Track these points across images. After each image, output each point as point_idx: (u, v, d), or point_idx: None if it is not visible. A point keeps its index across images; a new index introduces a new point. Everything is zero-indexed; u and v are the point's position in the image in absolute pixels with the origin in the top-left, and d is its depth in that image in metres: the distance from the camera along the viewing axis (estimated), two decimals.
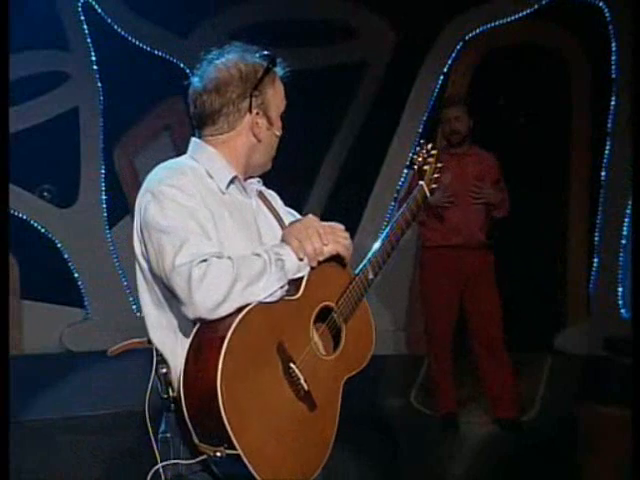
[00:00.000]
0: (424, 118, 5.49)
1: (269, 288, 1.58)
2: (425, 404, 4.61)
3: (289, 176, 5.59)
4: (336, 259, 1.69)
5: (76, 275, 5.30)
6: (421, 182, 1.93)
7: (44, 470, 3.69)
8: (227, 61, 1.71)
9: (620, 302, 5.18)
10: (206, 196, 1.65)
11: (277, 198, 1.89)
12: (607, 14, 5.27)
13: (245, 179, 1.77)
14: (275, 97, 1.77)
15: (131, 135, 5.58)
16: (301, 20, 5.48)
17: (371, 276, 1.75)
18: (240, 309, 1.55)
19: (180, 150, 1.81)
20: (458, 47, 5.51)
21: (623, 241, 5.19)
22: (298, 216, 1.89)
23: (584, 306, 5.38)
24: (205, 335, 1.55)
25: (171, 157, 1.77)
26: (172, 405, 1.62)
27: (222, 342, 1.50)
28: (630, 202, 4.77)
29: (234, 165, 1.73)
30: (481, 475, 3.84)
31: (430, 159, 1.96)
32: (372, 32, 5.60)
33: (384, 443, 4.13)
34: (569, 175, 5.46)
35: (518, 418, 4.23)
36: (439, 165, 1.97)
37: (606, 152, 5.30)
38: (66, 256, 5.28)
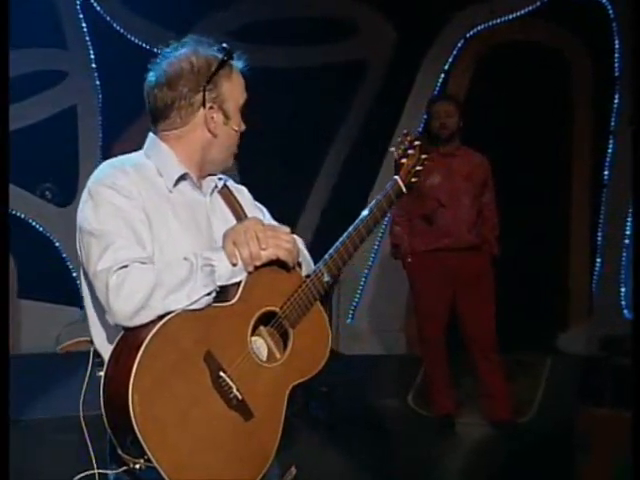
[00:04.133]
0: (425, 116, 5.45)
1: (193, 295, 1.53)
2: (422, 406, 4.58)
3: (291, 173, 5.60)
4: (281, 262, 1.63)
5: (74, 274, 5.27)
6: (395, 177, 1.80)
7: (41, 470, 3.66)
8: (179, 54, 1.69)
9: (623, 302, 5.15)
10: (149, 196, 1.62)
11: (244, 192, 1.85)
12: (610, 11, 5.24)
13: (204, 176, 1.73)
14: (232, 91, 1.71)
15: (130, 133, 5.54)
16: (301, 18, 5.46)
17: (327, 278, 1.67)
18: (163, 317, 1.51)
19: None
20: (459, 45, 5.49)
21: (626, 241, 5.17)
22: (266, 212, 1.85)
23: (586, 306, 5.35)
24: (125, 342, 1.52)
25: None
26: None
27: (137, 351, 1.47)
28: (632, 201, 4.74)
29: (187, 161, 1.69)
30: (478, 477, 3.81)
31: (411, 151, 1.82)
32: (373, 30, 5.58)
33: (380, 444, 4.11)
34: (571, 174, 5.44)
35: (513, 420, 4.19)
36: (423, 157, 1.83)
37: (608, 151, 5.27)
38: (64, 255, 5.25)
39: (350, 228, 1.73)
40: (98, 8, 5.39)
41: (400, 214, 4.23)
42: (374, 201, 1.77)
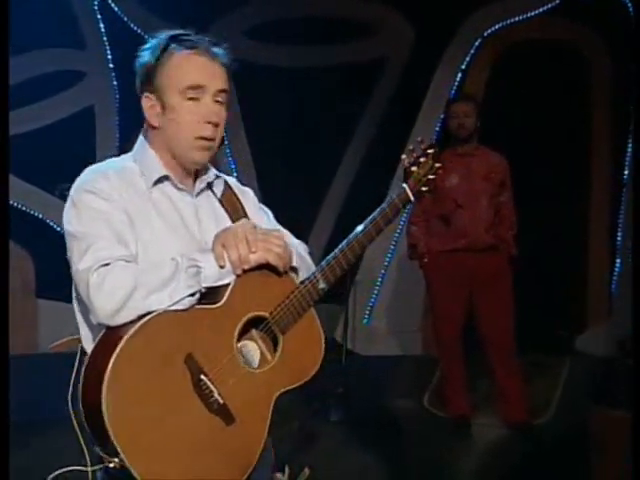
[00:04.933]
0: (441, 115, 5.43)
1: (176, 296, 1.51)
2: (438, 407, 4.56)
3: (308, 174, 5.59)
4: (275, 267, 1.60)
5: None
6: (404, 185, 1.74)
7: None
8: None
9: None
10: (130, 198, 1.61)
11: (249, 194, 1.82)
12: (631, 9, 5.19)
13: (192, 174, 1.69)
14: (171, 79, 1.62)
15: None
16: (319, 17, 5.45)
17: (322, 285, 1.64)
18: (143, 316, 1.49)
19: None
20: (476, 43, 5.46)
21: None
22: (270, 215, 1.83)
23: (606, 307, 5.30)
24: (104, 341, 1.52)
25: None
26: None
27: (114, 350, 1.45)
28: None
29: (166, 161, 1.67)
30: (493, 478, 3.79)
31: (422, 159, 1.76)
32: (390, 29, 5.56)
33: (395, 445, 4.09)
34: (590, 174, 5.39)
35: (528, 422, 4.16)
36: (436, 165, 1.76)
37: (628, 151, 5.22)
38: None
39: (350, 236, 1.68)
40: (116, 8, 5.41)
41: (417, 214, 4.21)
42: (378, 209, 1.71)
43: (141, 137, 1.72)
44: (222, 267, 1.55)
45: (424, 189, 1.76)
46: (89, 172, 1.66)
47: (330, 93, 5.23)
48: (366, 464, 3.78)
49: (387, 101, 5.57)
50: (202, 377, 1.52)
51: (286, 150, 5.17)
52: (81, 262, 1.55)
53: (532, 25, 5.36)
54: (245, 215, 1.74)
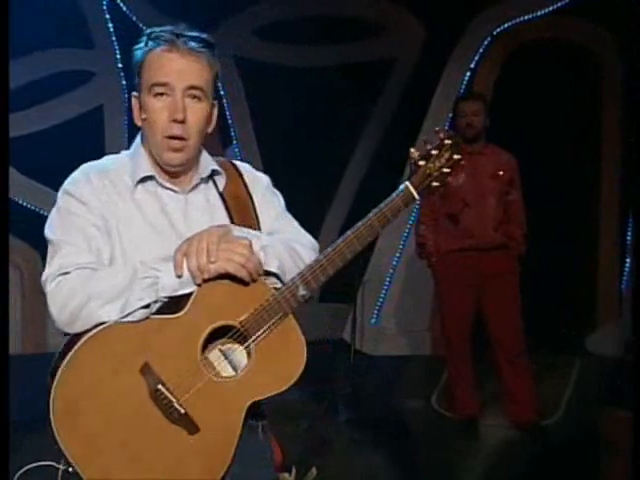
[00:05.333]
0: (450, 114, 5.41)
1: (128, 308, 1.49)
2: (446, 407, 4.55)
3: (317, 173, 5.58)
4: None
5: None
6: (406, 182, 1.62)
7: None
8: None
9: None
10: (112, 200, 1.60)
11: (261, 180, 1.76)
12: None
13: (181, 172, 1.66)
14: (142, 77, 1.62)
15: None
16: (328, 17, 5.44)
17: (302, 292, 1.55)
18: (97, 326, 1.49)
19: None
20: (486, 42, 5.44)
21: None
22: (280, 199, 1.78)
23: (616, 307, 5.27)
24: (63, 349, 1.52)
25: None
26: None
27: (64, 360, 1.47)
28: None
29: (152, 159, 1.65)
30: (501, 478, 3.77)
31: (435, 151, 1.62)
32: (400, 28, 5.55)
33: (402, 445, 4.08)
34: (600, 174, 5.36)
35: (535, 422, 4.14)
36: (456, 157, 1.61)
37: None
38: None
39: (339, 239, 1.58)
40: (124, 8, 5.42)
41: (426, 213, 4.20)
42: (374, 210, 1.60)
43: (139, 135, 1.71)
44: (179, 277, 1.51)
45: (435, 184, 1.63)
46: (77, 172, 1.67)
47: (339, 92, 5.22)
48: (374, 464, 3.77)
49: (396, 100, 5.55)
50: (159, 387, 1.49)
51: (295, 149, 5.16)
52: (47, 268, 1.56)
53: (542, 24, 5.33)
54: (249, 208, 1.69)
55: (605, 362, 4.98)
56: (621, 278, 5.24)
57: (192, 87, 1.60)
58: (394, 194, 1.62)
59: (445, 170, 1.63)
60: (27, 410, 3.86)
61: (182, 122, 1.59)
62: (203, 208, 1.67)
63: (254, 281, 1.54)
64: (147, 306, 1.51)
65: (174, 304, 1.53)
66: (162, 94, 1.60)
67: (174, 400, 1.50)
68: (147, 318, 1.51)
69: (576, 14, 5.25)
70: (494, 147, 4.19)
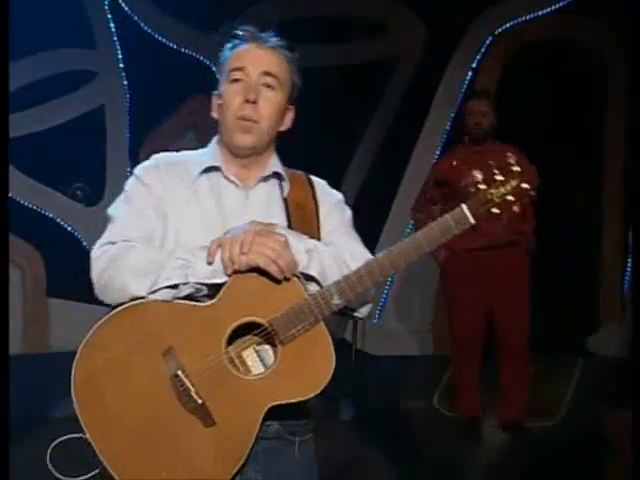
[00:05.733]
0: (452, 114, 5.42)
1: (156, 285, 1.50)
2: (447, 407, 4.54)
3: (319, 172, 5.57)
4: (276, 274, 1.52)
5: None
6: (462, 205, 1.54)
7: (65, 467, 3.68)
8: None
9: None
10: (176, 188, 1.63)
11: (332, 197, 1.77)
12: None
13: (244, 164, 1.67)
14: (226, 70, 1.67)
15: (157, 133, 5.57)
16: (330, 17, 5.44)
17: (337, 301, 1.52)
18: (134, 300, 1.51)
19: None
20: (488, 42, 5.43)
21: None
22: (348, 215, 1.77)
23: (618, 307, 5.27)
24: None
25: None
26: None
27: (91, 329, 1.49)
28: None
29: (221, 152, 1.68)
30: (501, 479, 3.77)
31: (500, 177, 1.54)
32: (402, 28, 5.55)
33: (404, 445, 4.08)
34: (603, 173, 5.35)
35: (522, 423, 4.10)
36: (524, 187, 1.53)
37: None
38: None
39: (382, 252, 1.55)
40: (126, 8, 5.42)
41: (422, 203, 4.22)
42: (426, 227, 1.55)
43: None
44: (210, 264, 1.51)
45: (495, 211, 1.56)
46: (150, 159, 1.70)
47: (340, 92, 5.22)
48: (375, 463, 3.77)
49: (398, 100, 5.55)
50: (179, 373, 1.48)
51: (296, 149, 5.15)
52: (100, 239, 1.61)
53: (543, 23, 5.32)
54: (312, 218, 1.69)
55: (607, 362, 4.98)
56: (623, 278, 5.23)
57: (267, 73, 1.65)
58: (448, 215, 1.55)
59: (509, 198, 1.56)
60: (30, 409, 3.87)
61: (254, 102, 1.62)
62: (262, 207, 1.67)
63: (287, 280, 1.52)
64: (175, 287, 1.51)
65: (210, 293, 1.54)
66: (238, 80, 1.64)
67: (192, 389, 1.49)
68: (180, 301, 1.52)
69: (577, 13, 5.24)
70: (501, 144, 4.17)
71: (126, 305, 1.51)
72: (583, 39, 5.32)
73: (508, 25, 5.41)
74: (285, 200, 1.69)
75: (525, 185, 1.54)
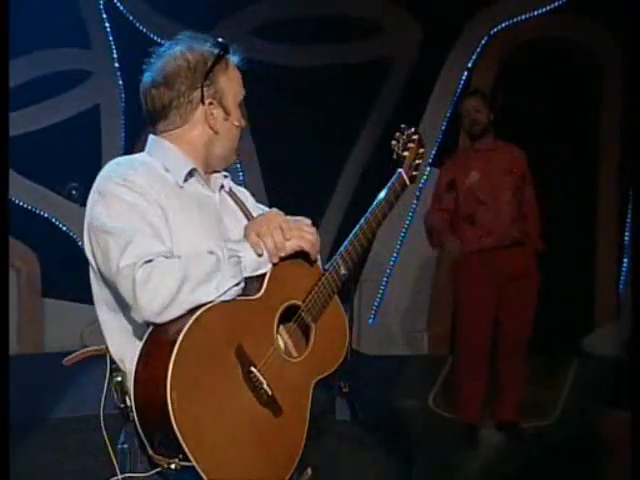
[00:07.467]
0: (447, 114, 5.42)
1: (222, 287, 1.49)
2: (443, 407, 4.53)
3: (315, 172, 5.58)
4: (303, 255, 1.62)
5: None
6: (400, 170, 1.83)
7: (65, 469, 3.68)
8: (174, 52, 1.65)
9: None
10: (161, 190, 1.59)
11: (247, 195, 1.83)
12: None
13: (208, 173, 1.70)
14: (230, 85, 1.68)
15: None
16: (325, 17, 5.44)
17: (343, 271, 1.66)
18: (193, 310, 1.46)
19: None
20: (483, 42, 5.44)
21: None
22: (267, 210, 1.80)
23: (614, 307, 5.27)
24: (155, 340, 1.47)
25: None
26: (130, 415, 1.52)
27: (172, 347, 1.41)
28: None
29: (192, 158, 1.66)
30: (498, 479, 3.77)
31: (410, 144, 1.87)
32: (397, 27, 5.55)
33: (400, 445, 4.08)
34: (599, 174, 5.36)
35: (517, 423, 4.09)
36: (421, 151, 1.89)
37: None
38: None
39: (361, 221, 1.73)
40: (121, 8, 5.41)
41: (436, 207, 4.18)
42: (382, 194, 1.79)
43: (153, 136, 1.70)
44: (260, 255, 1.56)
45: (415, 173, 1.86)
46: (114, 164, 1.63)
47: (336, 92, 5.22)
48: (371, 463, 3.77)
49: (394, 100, 5.55)
50: (252, 369, 1.51)
51: (292, 149, 5.16)
52: (122, 259, 1.48)
53: (539, 23, 5.33)
54: (249, 213, 1.73)
55: (603, 362, 4.98)
56: (619, 278, 5.24)
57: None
58: (392, 180, 1.83)
59: (418, 161, 1.89)
60: (25, 410, 3.85)
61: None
62: (229, 208, 1.73)
63: (314, 261, 1.64)
64: (237, 284, 1.53)
65: (251, 285, 1.56)
66: (240, 101, 1.73)
67: (264, 382, 1.52)
68: (236, 299, 1.53)
69: (573, 13, 5.25)
70: (503, 142, 4.17)
71: (201, 310, 1.47)
72: (579, 39, 5.32)
73: (504, 25, 5.41)
74: (233, 199, 1.77)
75: (422, 150, 1.90)
